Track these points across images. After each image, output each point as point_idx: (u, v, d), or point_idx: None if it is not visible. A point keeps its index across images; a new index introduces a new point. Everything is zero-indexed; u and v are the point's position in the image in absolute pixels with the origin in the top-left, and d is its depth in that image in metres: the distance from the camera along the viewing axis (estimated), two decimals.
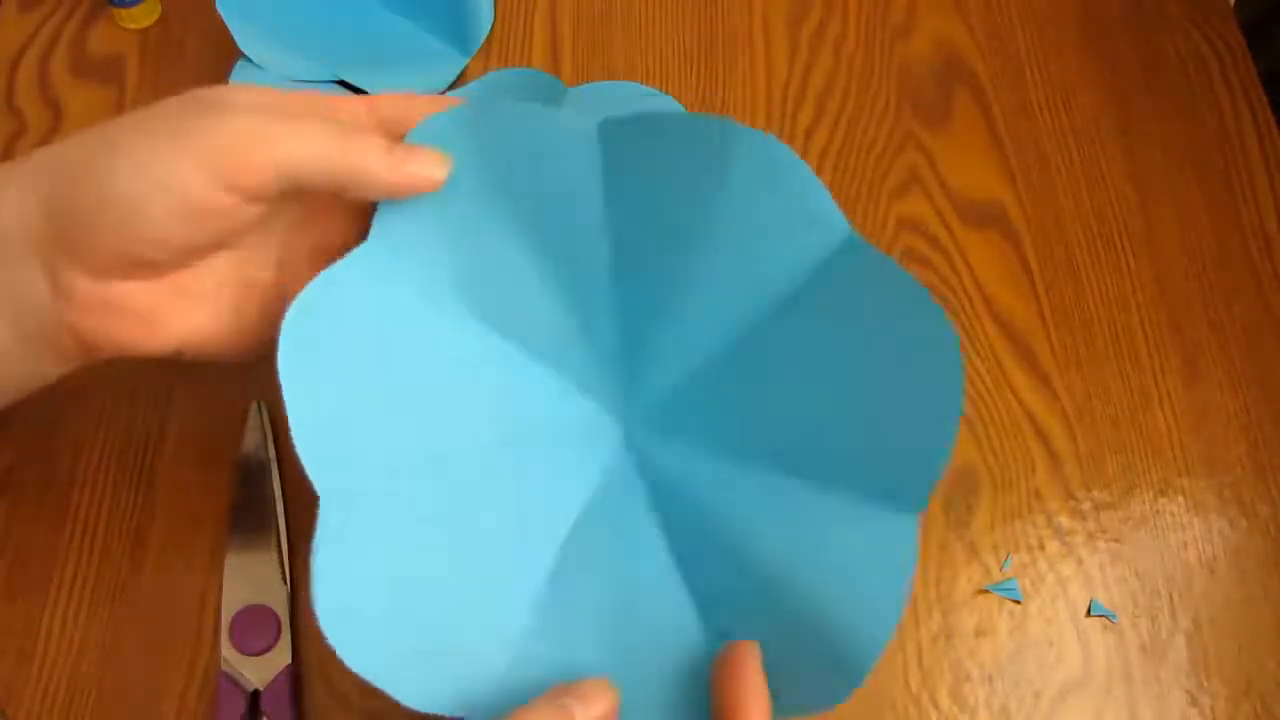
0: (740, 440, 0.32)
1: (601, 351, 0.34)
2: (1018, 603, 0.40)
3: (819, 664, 0.29)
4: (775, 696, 0.29)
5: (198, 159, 0.27)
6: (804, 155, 0.48)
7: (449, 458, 0.32)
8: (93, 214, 0.27)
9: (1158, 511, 0.42)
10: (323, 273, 0.29)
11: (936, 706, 0.39)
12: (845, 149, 0.49)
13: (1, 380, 0.31)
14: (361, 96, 0.32)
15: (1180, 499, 0.43)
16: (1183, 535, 0.42)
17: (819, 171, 0.48)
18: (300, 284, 0.31)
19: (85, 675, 0.38)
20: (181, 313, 0.31)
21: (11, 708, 0.37)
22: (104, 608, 0.39)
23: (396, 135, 0.31)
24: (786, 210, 0.28)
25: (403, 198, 0.30)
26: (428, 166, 0.30)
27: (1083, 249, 0.47)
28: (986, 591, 0.40)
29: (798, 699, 0.29)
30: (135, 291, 0.29)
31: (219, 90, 0.29)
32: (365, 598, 0.29)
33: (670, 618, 0.32)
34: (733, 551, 0.32)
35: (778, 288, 0.30)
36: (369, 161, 0.29)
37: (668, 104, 0.44)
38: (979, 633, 0.40)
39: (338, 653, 0.28)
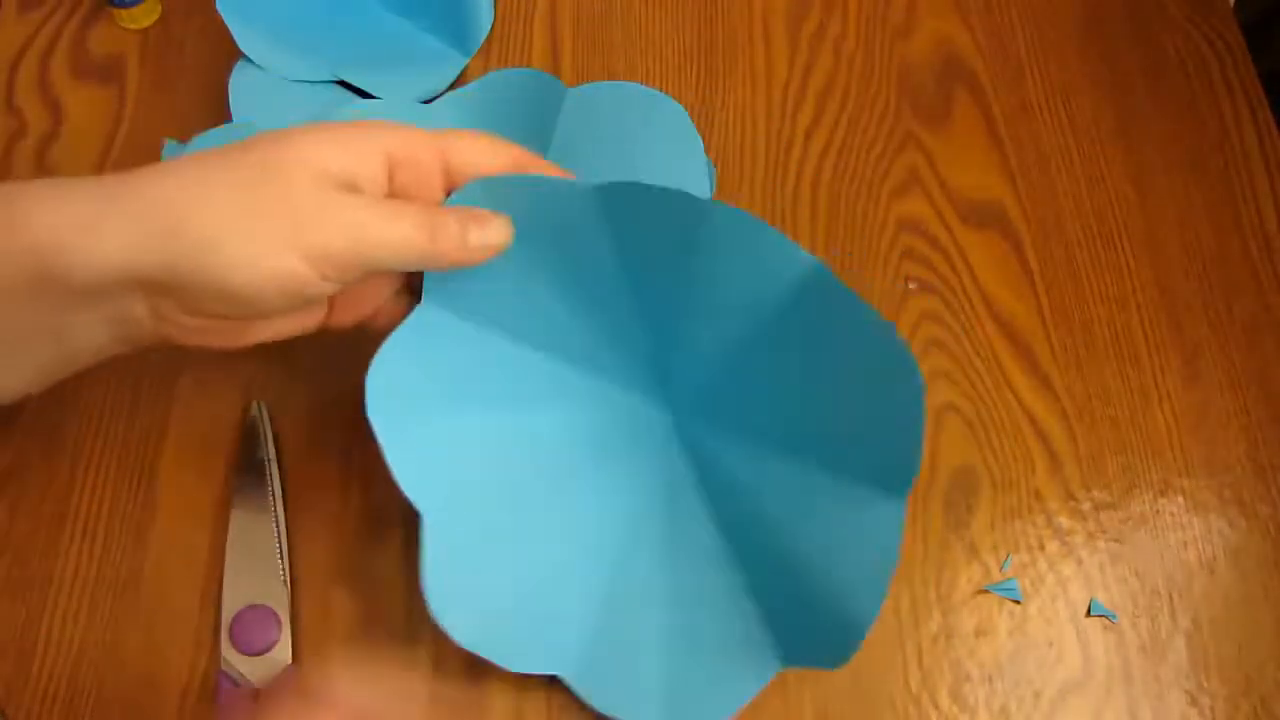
0: (756, 431, 0.37)
1: (638, 359, 0.38)
2: (1018, 603, 0.40)
3: (827, 624, 0.34)
4: (793, 651, 0.35)
5: (306, 257, 0.30)
6: (804, 155, 0.49)
7: (526, 467, 0.38)
8: (204, 292, 0.30)
9: (1158, 511, 0.42)
10: (391, 334, 0.34)
11: (936, 706, 0.39)
12: (845, 149, 0.49)
13: (87, 360, 0.33)
14: (433, 142, 0.33)
15: (1180, 499, 0.43)
16: (1183, 535, 0.42)
17: (819, 172, 0.48)
18: None
19: (85, 675, 0.38)
20: (265, 327, 0.34)
21: (12, 708, 0.37)
22: (104, 607, 0.39)
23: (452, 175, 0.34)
24: (756, 251, 0.32)
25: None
26: (494, 236, 0.33)
27: (1083, 249, 0.47)
28: (986, 591, 0.40)
29: (813, 653, 0.35)
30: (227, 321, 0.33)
31: (313, 160, 0.31)
32: (468, 588, 0.35)
33: (716, 576, 0.37)
34: (761, 520, 0.37)
35: (762, 313, 0.34)
36: (449, 250, 0.32)
37: (668, 105, 0.44)
38: (979, 633, 0.40)
39: (450, 633, 0.34)
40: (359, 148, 0.32)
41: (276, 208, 0.30)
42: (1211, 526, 0.42)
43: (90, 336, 0.32)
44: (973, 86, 0.51)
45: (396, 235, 0.31)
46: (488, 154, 0.34)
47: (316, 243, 0.30)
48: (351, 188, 0.31)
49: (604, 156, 0.44)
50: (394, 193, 0.33)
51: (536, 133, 0.44)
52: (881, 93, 0.50)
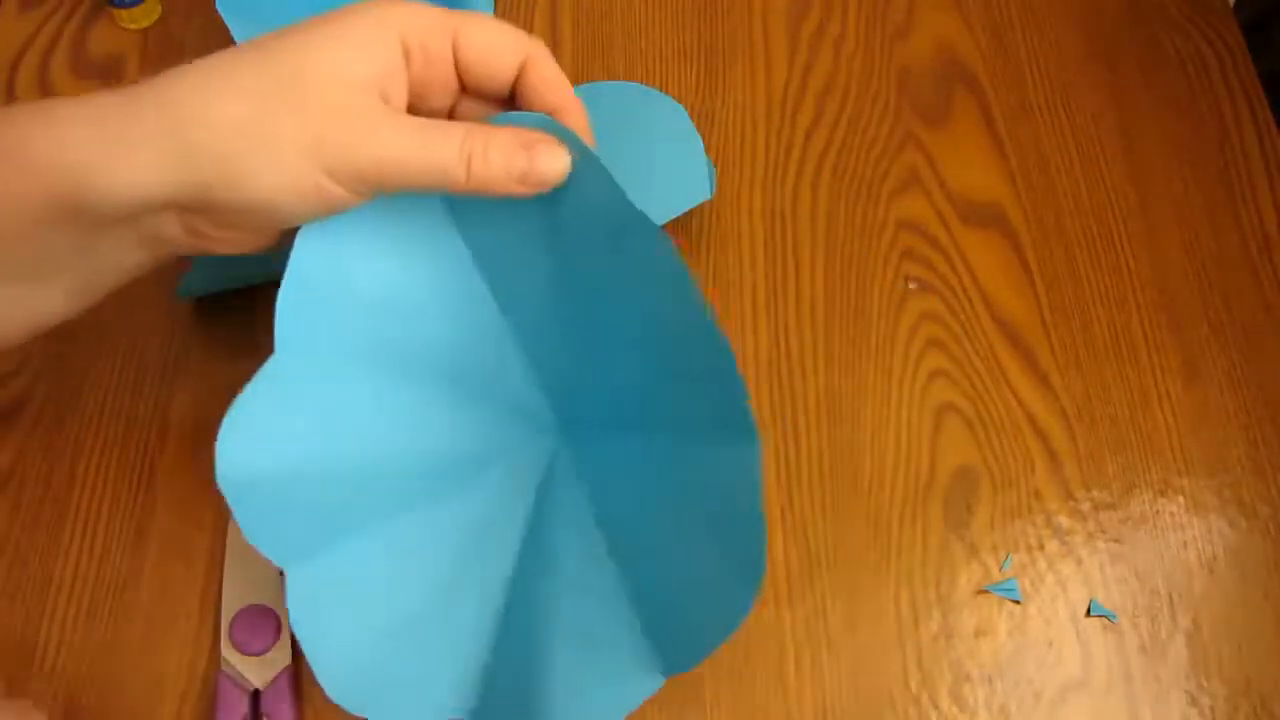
0: (616, 415, 0.37)
1: (520, 370, 0.38)
2: (1017, 603, 0.40)
3: (721, 586, 0.32)
4: (702, 627, 0.32)
5: (333, 175, 0.29)
6: (804, 155, 0.49)
7: (399, 504, 0.36)
8: (232, 207, 0.30)
9: (1157, 511, 0.42)
10: (242, 393, 0.32)
11: (936, 706, 0.39)
12: (845, 149, 0.49)
13: (122, 279, 0.33)
14: (444, 28, 0.32)
15: (1180, 499, 0.43)
16: (1183, 535, 0.42)
17: (818, 172, 0.48)
18: None
19: (85, 675, 0.38)
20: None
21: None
22: (104, 607, 0.39)
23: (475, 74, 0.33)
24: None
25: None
26: (545, 169, 0.31)
27: (1083, 249, 0.47)
28: (986, 591, 0.40)
29: (720, 619, 0.32)
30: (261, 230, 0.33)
31: (335, 68, 0.30)
32: (346, 638, 0.34)
33: (600, 582, 0.36)
34: (633, 513, 0.36)
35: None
36: (489, 182, 0.31)
37: (668, 105, 0.44)
38: (979, 633, 0.40)
39: (323, 686, 0.33)
40: (377, 50, 0.30)
41: (300, 121, 0.29)
42: (1211, 526, 0.42)
43: (124, 256, 0.32)
44: (973, 86, 0.51)
45: (428, 164, 0.30)
46: (500, 42, 0.32)
47: (343, 162, 0.29)
48: (379, 93, 0.30)
49: (604, 156, 0.44)
50: (411, 83, 0.32)
51: None
52: (881, 93, 0.50)
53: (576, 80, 0.49)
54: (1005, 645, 0.40)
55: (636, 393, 0.35)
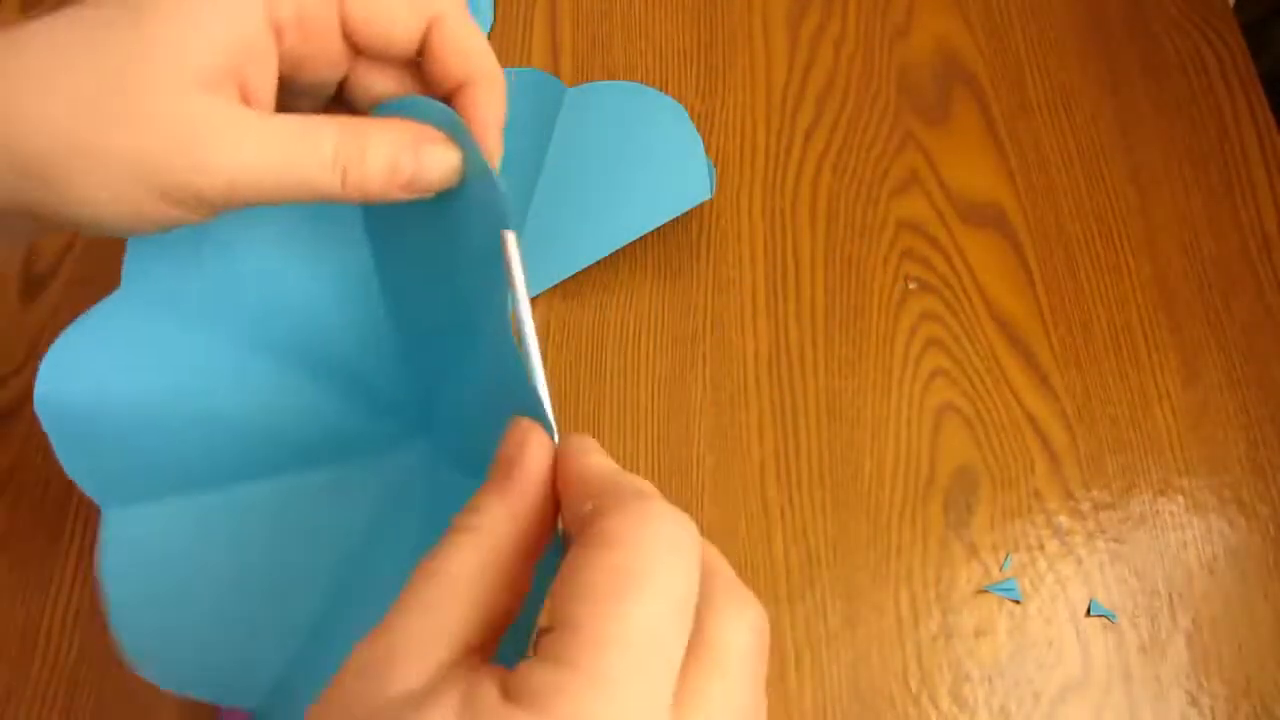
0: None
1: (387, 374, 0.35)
2: (1017, 603, 0.40)
3: None
4: None
5: (169, 198, 0.25)
6: (804, 155, 0.49)
7: (238, 472, 0.33)
8: (73, 226, 0.27)
9: (1157, 511, 0.42)
10: (84, 315, 0.30)
11: (936, 706, 0.39)
12: (845, 149, 0.49)
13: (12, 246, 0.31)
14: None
15: (1180, 499, 0.43)
16: (1182, 535, 0.42)
17: (818, 172, 0.48)
18: None
19: (85, 675, 0.38)
20: None
21: (11, 708, 0.37)
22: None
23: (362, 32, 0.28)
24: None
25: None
26: (433, 172, 0.27)
27: (1083, 249, 0.47)
28: (986, 591, 0.40)
29: None
30: None
31: (184, 53, 0.25)
32: (154, 589, 0.31)
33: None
34: None
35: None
36: (369, 190, 0.27)
37: (666, 104, 0.44)
38: (979, 633, 0.40)
39: (118, 639, 0.31)
40: (231, 26, 0.25)
41: (128, 134, 0.25)
42: (1211, 526, 0.42)
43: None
44: (973, 86, 0.51)
45: (291, 179, 0.26)
46: (395, 7, 0.28)
47: (180, 185, 0.25)
48: (232, 85, 0.26)
49: (604, 156, 0.44)
50: (284, 58, 0.27)
51: (536, 132, 0.44)
52: (881, 93, 0.50)
53: (576, 80, 0.49)
54: (1005, 645, 0.40)
55: (465, 430, 0.32)
